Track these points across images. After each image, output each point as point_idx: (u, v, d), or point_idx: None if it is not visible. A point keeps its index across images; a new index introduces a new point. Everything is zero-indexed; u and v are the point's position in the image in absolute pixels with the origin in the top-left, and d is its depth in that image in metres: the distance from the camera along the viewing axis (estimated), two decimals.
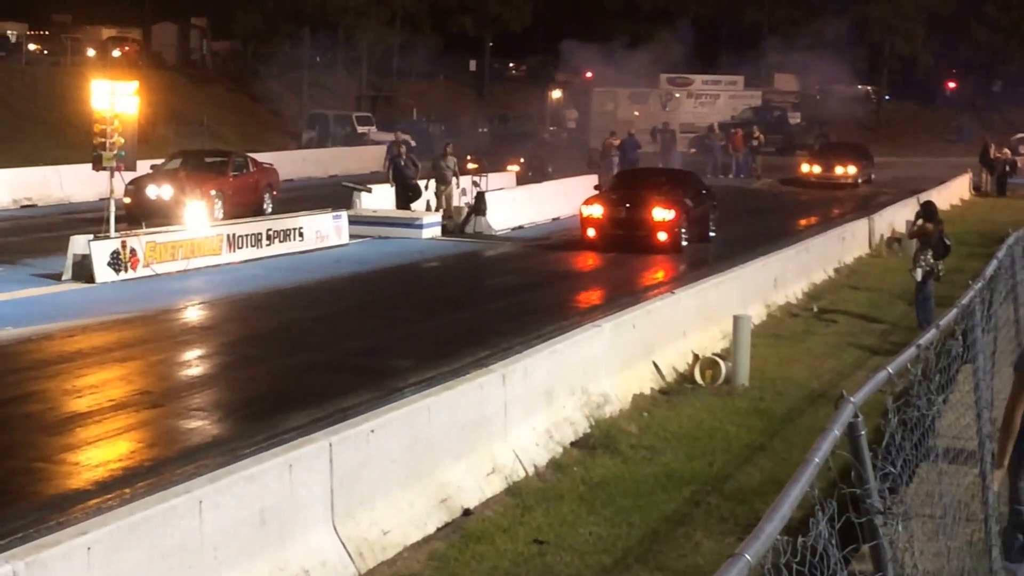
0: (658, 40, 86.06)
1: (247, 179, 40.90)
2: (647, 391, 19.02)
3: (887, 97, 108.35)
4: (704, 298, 22.63)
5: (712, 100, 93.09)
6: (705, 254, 35.05)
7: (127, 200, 34.94)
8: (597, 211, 35.80)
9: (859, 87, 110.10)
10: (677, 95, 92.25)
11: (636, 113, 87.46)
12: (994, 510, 9.83)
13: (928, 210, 25.59)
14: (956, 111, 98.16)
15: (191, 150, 45.64)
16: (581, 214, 36.43)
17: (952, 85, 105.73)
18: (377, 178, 45.72)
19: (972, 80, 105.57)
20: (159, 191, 36.28)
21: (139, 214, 34.49)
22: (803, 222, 45.77)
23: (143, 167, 34.94)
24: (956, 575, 8.27)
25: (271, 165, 43.98)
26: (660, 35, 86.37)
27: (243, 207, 38.45)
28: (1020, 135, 76.44)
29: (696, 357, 20.52)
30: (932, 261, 24.35)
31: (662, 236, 34.92)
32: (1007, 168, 63.00)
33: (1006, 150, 65.38)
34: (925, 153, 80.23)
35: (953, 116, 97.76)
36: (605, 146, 65.14)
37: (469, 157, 50.44)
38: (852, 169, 60.14)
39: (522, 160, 53.77)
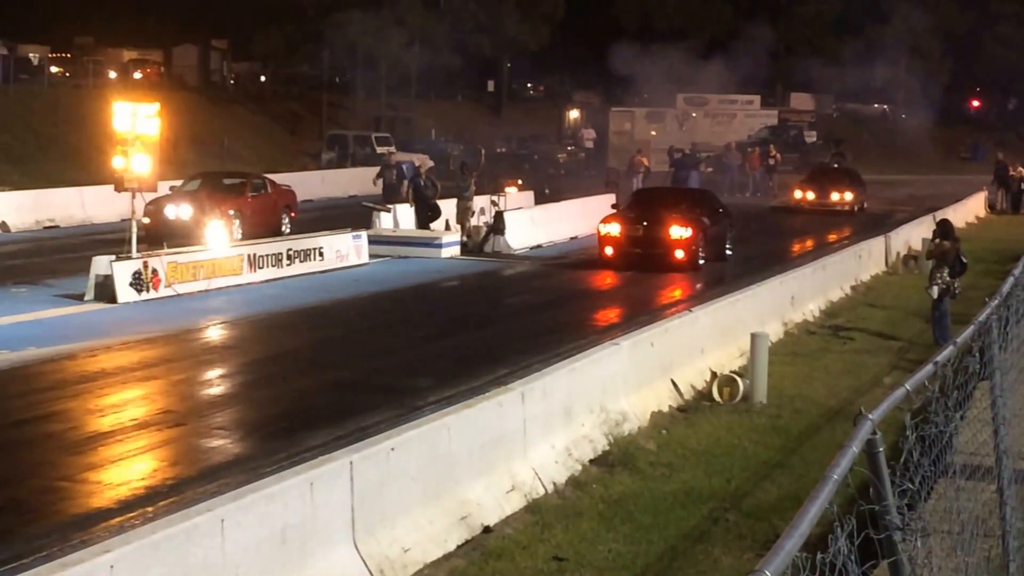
0: (675, 59, 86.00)
1: (265, 200, 41.08)
2: (665, 408, 19.00)
3: (903, 116, 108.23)
4: (721, 316, 22.62)
5: (729, 119, 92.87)
6: (722, 272, 34.80)
7: (146, 220, 34.21)
8: (615, 229, 35.46)
9: (875, 106, 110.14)
10: (694, 115, 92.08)
11: (653, 133, 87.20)
12: (1011, 526, 9.79)
13: (944, 228, 25.59)
14: (971, 129, 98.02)
15: (211, 171, 45.97)
16: (599, 232, 36.09)
17: (976, 104, 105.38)
18: (396, 197, 45.66)
19: (987, 98, 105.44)
20: (178, 211, 36.52)
21: (159, 235, 33.74)
22: (809, 242, 45.61)
23: (163, 188, 35.07)
24: None
25: (289, 187, 44.12)
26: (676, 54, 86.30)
27: (261, 228, 38.86)
28: None
29: (714, 375, 20.47)
30: (948, 279, 24.33)
31: (679, 254, 34.51)
32: (1022, 186, 62.86)
33: (1020, 168, 65.05)
34: (940, 171, 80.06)
35: (968, 134, 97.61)
36: (632, 163, 65.28)
37: (512, 182, 50.38)
38: (848, 195, 56.84)
39: (519, 181, 53.62)
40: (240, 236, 36.41)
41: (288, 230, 40.05)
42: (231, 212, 37.43)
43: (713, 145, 77.78)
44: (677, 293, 32.04)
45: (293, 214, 41.99)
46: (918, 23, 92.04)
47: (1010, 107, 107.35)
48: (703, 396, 19.99)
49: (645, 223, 35.22)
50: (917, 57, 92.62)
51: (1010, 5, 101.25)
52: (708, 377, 20.52)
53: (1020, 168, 65.39)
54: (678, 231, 34.58)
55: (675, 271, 34.49)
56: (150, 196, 32.58)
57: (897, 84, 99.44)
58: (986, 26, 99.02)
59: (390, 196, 44.02)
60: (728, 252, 37.64)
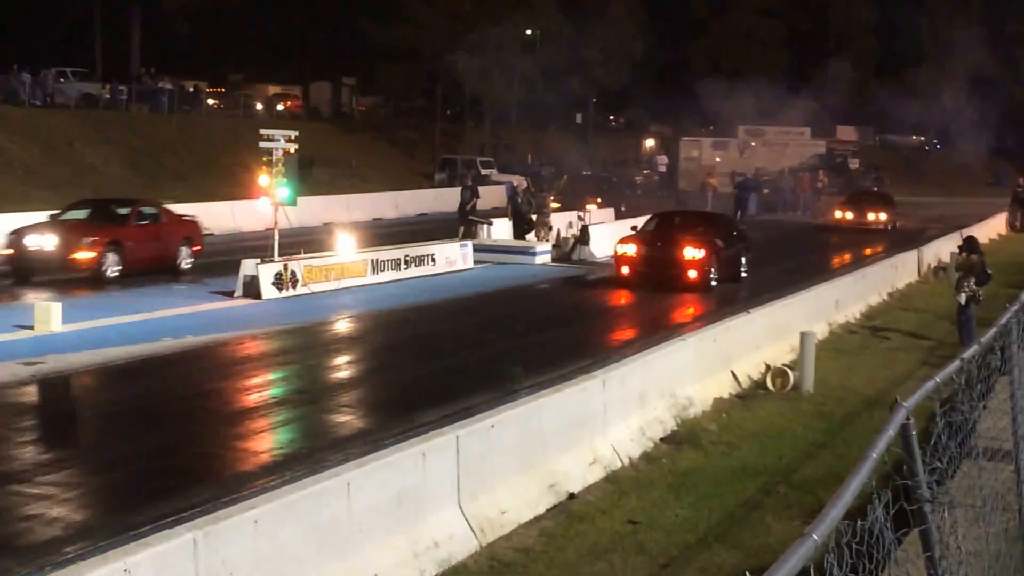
0: (736, 97, 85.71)
1: (155, 230, 31.04)
2: (726, 395, 18.92)
3: (937, 146, 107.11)
4: (775, 317, 22.48)
5: (783, 148, 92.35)
6: (735, 293, 31.55)
7: (9, 251, 28.93)
8: (631, 250, 31.77)
9: (912, 137, 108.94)
10: (753, 143, 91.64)
11: (717, 159, 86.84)
12: None
13: (971, 244, 25.33)
14: (996, 159, 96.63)
15: (101, 198, 36.89)
16: (615, 252, 32.52)
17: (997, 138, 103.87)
18: (497, 212, 45.70)
19: (1012, 131, 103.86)
20: (41, 241, 28.44)
21: (20, 268, 28.63)
22: (848, 256, 45.14)
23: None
24: (993, 557, 8.15)
25: (193, 218, 33.79)
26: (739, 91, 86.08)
27: (149, 261, 30.28)
28: None
29: (768, 367, 20.34)
30: (974, 287, 24.07)
31: (692, 274, 30.61)
32: None
33: None
34: (968, 195, 79.07)
35: (993, 163, 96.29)
36: (703, 184, 65.15)
37: (593, 200, 50.36)
38: (883, 216, 55.65)
39: (599, 199, 53.40)
40: (119, 269, 28.83)
41: (188, 265, 31.41)
42: (104, 243, 28.61)
43: (769, 170, 77.41)
44: (690, 311, 29.79)
45: (196, 247, 32.23)
46: (954, 66, 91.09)
47: None
48: (758, 385, 19.88)
49: (660, 244, 31.70)
50: (952, 96, 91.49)
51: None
52: (763, 369, 20.39)
53: None
54: (691, 252, 30.83)
55: (687, 291, 30.55)
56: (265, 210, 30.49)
57: (929, 119, 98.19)
58: (1009, 70, 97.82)
59: (464, 213, 43.48)
60: (743, 273, 33.45)
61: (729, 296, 30.47)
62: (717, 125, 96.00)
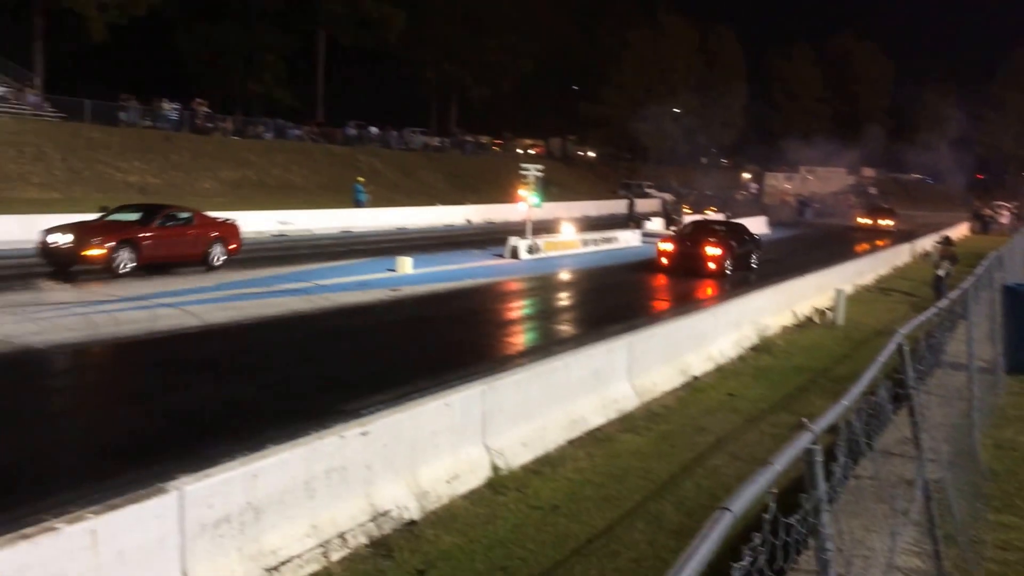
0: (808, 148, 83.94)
1: (182, 231, 21.44)
2: (788, 324, 18.40)
3: (929, 181, 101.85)
4: (820, 279, 21.69)
5: (828, 180, 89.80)
6: (746, 277, 27.16)
7: (38, 246, 20.08)
8: (668, 247, 27.20)
9: (912, 175, 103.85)
10: (809, 177, 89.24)
11: (787, 186, 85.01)
12: (975, 397, 9.20)
13: (947, 240, 24.17)
14: (967, 190, 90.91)
15: (152, 203, 24.68)
16: (656, 247, 27.81)
17: (980, 176, 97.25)
18: (654, 214, 45.05)
19: (980, 170, 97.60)
20: (59, 238, 19.72)
21: (46, 260, 19.86)
22: (865, 246, 43.15)
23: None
24: (952, 427, 7.77)
25: (230, 221, 23.36)
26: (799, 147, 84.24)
27: (175, 258, 21.30)
28: (997, 201, 70.61)
29: (815, 309, 19.76)
30: (948, 266, 22.89)
31: (712, 265, 26.20)
32: (985, 218, 58.80)
33: (986, 209, 61.36)
34: (947, 211, 74.76)
35: (965, 193, 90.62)
36: (780, 201, 63.63)
37: (712, 208, 49.51)
38: (890, 221, 53.05)
39: (715, 207, 52.08)
40: (134, 265, 19.99)
41: (220, 261, 22.19)
42: (115, 242, 19.79)
43: (819, 193, 75.19)
44: (726, 286, 29.93)
45: (233, 246, 22.75)
46: (941, 129, 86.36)
47: (1003, 176, 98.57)
48: (809, 320, 19.29)
49: (689, 243, 27.06)
50: (940, 148, 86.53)
51: (994, 114, 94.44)
52: (812, 310, 19.80)
53: (986, 209, 61.63)
54: (711, 250, 26.50)
55: (708, 277, 25.92)
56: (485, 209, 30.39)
57: (926, 163, 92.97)
58: (977, 129, 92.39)
59: (631, 214, 43.20)
60: (754, 265, 28.19)
61: (742, 278, 28.05)
62: (788, 165, 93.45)
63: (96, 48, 51.49)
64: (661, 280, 25.41)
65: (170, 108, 50.39)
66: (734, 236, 28.01)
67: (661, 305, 20.74)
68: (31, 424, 9.57)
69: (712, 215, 44.29)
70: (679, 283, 24.64)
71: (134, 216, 21.31)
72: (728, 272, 26.58)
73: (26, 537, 4.95)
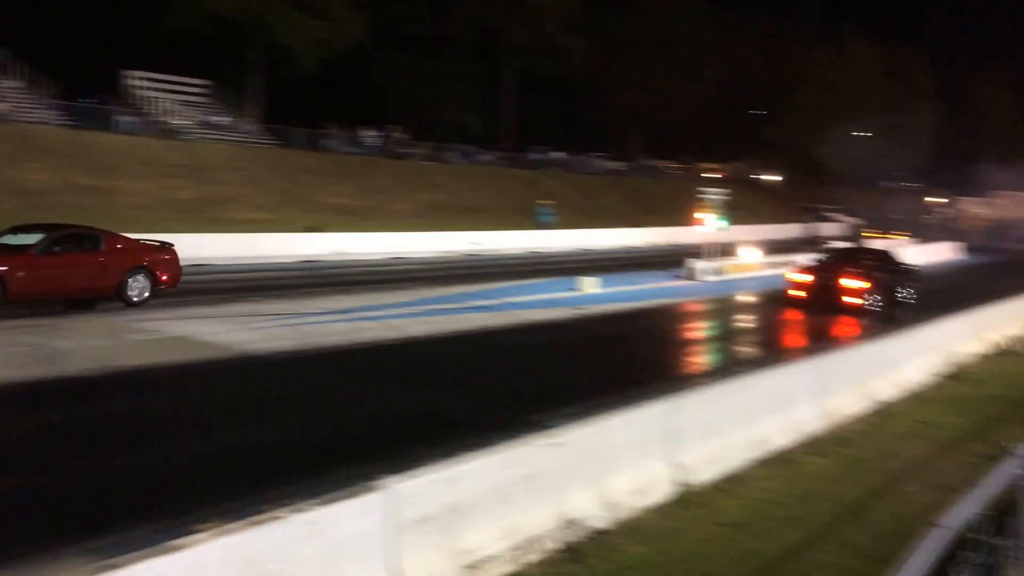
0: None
1: (75, 259, 15.90)
2: (980, 352, 17.26)
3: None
4: (1014, 306, 20.27)
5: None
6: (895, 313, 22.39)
7: None
8: (805, 278, 23.02)
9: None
10: (1007, 202, 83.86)
11: (982, 211, 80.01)
12: None
13: None
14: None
15: (56, 224, 17.59)
16: (786, 278, 23.82)
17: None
18: (841, 238, 43.36)
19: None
20: None
21: None
22: None
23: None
24: None
25: (168, 246, 17.73)
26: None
27: (63, 292, 16.03)
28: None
29: (1009, 338, 18.48)
30: None
31: (851, 299, 21.98)
32: None
33: None
34: None
35: None
36: (974, 227, 60.00)
37: (903, 231, 47.48)
38: None
39: (906, 232, 49.45)
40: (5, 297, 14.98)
41: (140, 298, 16.75)
42: None
43: (1009, 218, 71.19)
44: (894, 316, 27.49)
45: (164, 277, 17.23)
46: None
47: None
48: (1006, 348, 18.02)
49: (829, 274, 22.74)
50: None
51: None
52: (1008, 337, 18.50)
53: None
54: (850, 282, 22.22)
55: (848, 314, 21.72)
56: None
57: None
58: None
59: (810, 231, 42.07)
60: (904, 300, 23.12)
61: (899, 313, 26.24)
62: (983, 189, 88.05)
63: (303, 80, 55.00)
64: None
65: (367, 135, 53.19)
66: (882, 264, 24.03)
67: (846, 332, 19.90)
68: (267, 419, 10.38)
69: (898, 239, 42.02)
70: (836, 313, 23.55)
71: (30, 240, 15.89)
72: (875, 308, 21.96)
73: (255, 524, 5.40)
